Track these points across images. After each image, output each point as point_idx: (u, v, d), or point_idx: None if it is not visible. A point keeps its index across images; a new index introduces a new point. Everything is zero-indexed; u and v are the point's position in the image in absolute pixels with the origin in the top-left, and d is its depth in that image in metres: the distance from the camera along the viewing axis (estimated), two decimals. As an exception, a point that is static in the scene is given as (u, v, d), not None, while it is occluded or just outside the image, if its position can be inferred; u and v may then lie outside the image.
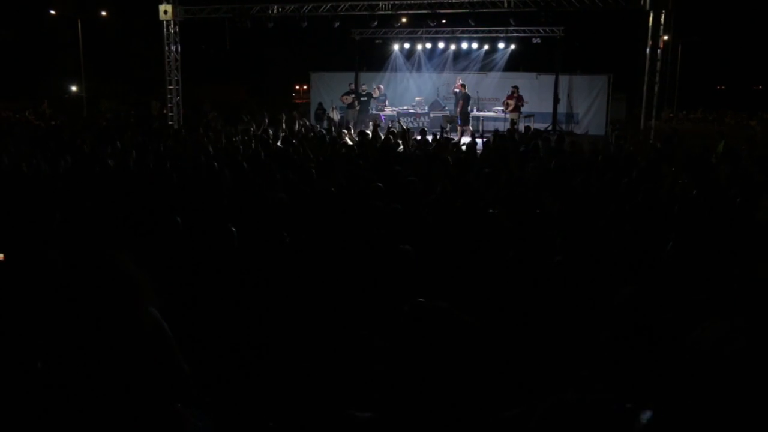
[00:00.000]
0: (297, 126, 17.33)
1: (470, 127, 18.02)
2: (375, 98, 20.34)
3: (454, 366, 1.46)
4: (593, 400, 1.34)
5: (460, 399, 1.46)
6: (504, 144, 11.71)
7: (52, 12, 38.07)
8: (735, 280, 3.17)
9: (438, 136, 13.11)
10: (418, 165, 8.86)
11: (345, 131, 16.03)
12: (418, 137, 12.90)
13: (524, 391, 2.51)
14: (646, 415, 1.26)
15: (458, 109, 18.53)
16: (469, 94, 18.76)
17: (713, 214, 5.79)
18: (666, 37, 16.35)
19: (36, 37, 38.58)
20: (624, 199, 6.45)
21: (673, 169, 9.05)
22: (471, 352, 1.48)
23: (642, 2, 14.91)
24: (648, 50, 15.25)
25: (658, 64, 15.26)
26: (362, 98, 19.79)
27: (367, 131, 14.10)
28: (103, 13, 38.87)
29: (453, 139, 14.05)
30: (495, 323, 3.02)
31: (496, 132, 13.48)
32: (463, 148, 11.58)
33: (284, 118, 17.89)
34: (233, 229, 4.22)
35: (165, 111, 19.66)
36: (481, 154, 11.16)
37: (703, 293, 2.68)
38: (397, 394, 1.51)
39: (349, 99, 19.89)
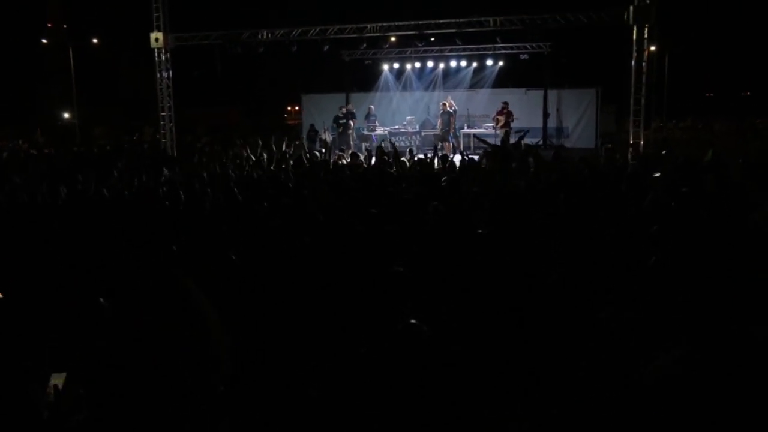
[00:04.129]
0: (284, 148, 17.32)
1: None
2: (363, 118, 20.45)
3: (441, 385, 1.54)
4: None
5: (451, 412, 1.54)
6: (495, 160, 11.80)
7: (44, 41, 38.33)
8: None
9: (432, 156, 13.17)
10: (410, 185, 8.95)
11: (338, 152, 16.13)
12: (409, 157, 12.99)
13: (516, 404, 2.58)
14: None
15: (449, 127, 18.82)
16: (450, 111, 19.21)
17: (700, 224, 5.86)
18: (652, 48, 16.53)
19: (27, 65, 38.74)
20: (614, 212, 6.53)
21: (660, 178, 9.12)
22: (456, 377, 1.56)
23: (625, 17, 15.12)
24: (633, 63, 15.45)
25: (644, 76, 15.44)
26: (340, 120, 19.88)
27: (359, 153, 14.20)
28: (94, 41, 39.11)
29: (449, 157, 14.12)
30: (487, 341, 3.10)
31: (486, 150, 13.55)
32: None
33: (273, 140, 17.94)
34: (233, 257, 4.29)
35: (158, 137, 19.71)
36: (470, 171, 11.24)
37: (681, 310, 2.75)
38: (391, 411, 1.59)
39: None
